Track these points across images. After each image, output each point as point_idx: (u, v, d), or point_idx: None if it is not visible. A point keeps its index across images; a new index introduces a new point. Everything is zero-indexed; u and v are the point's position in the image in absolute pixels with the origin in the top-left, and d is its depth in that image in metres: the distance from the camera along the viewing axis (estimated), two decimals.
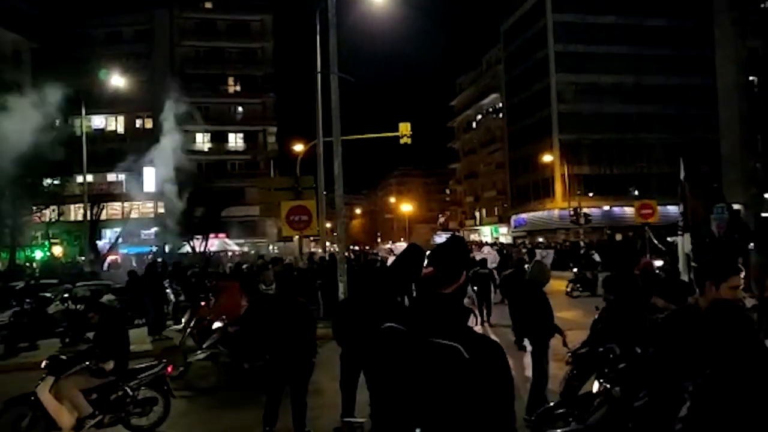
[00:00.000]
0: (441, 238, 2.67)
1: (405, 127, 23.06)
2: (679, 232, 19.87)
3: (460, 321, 2.19)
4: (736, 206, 42.46)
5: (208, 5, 57.59)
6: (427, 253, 2.57)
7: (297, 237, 16.27)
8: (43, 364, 6.54)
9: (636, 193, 52.46)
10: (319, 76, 18.28)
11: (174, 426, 7.20)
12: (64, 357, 6.70)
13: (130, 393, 6.71)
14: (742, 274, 3.44)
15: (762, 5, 58.80)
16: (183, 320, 13.25)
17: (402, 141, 23.07)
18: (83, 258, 33.83)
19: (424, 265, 2.33)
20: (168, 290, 15.56)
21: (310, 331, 6.47)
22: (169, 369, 7.13)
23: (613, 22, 55.17)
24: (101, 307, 7.03)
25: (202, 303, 12.30)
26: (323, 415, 7.08)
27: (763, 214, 49.75)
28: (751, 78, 57.91)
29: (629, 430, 4.52)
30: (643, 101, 54.93)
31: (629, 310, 5.85)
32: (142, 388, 6.85)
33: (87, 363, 6.53)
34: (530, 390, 6.90)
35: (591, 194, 52.38)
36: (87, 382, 6.48)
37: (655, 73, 55.05)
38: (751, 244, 22.39)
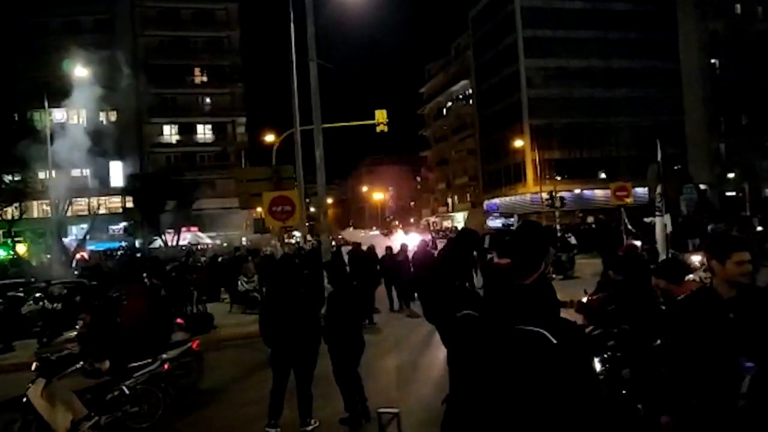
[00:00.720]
0: (495, 222, 2.55)
1: (381, 115, 22.81)
2: (657, 213, 20.10)
3: (543, 308, 2.11)
4: (702, 186, 43.49)
5: None
6: (485, 237, 2.47)
7: (278, 227, 15.95)
8: (34, 366, 6.21)
9: (603, 176, 53.38)
10: (294, 63, 17.91)
11: (173, 424, 6.96)
12: (54, 358, 6.38)
13: (127, 392, 6.44)
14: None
15: None
16: (77, 327, 12.02)
17: (378, 129, 22.83)
18: (48, 256, 32.84)
19: (495, 253, 2.22)
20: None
21: (313, 322, 6.32)
22: (166, 366, 6.88)
23: (580, 6, 55.64)
24: (93, 307, 6.71)
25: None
26: (327, 405, 6.93)
27: (728, 193, 51.14)
28: (713, 60, 59.20)
29: (638, 412, 4.47)
30: (611, 85, 55.66)
31: (640, 290, 5.78)
32: (139, 386, 6.58)
33: (81, 363, 6.23)
34: None
35: (560, 178, 52.98)
36: (81, 383, 6.19)
37: (623, 57, 55.80)
38: (711, 224, 22.83)
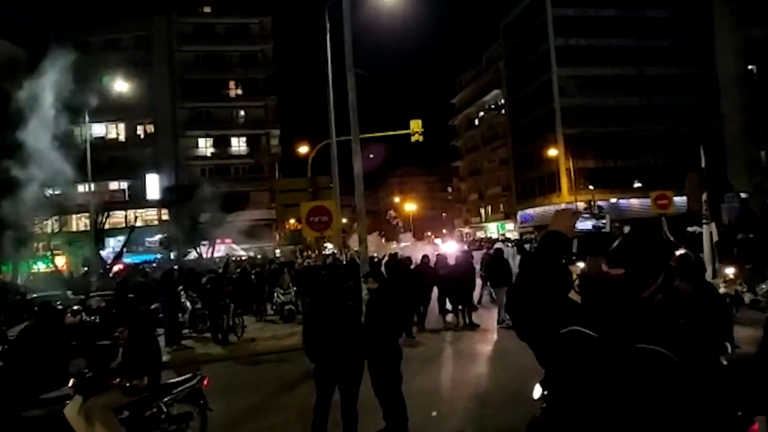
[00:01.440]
0: (585, 224, 2.28)
1: (416, 124, 22.64)
2: (704, 221, 19.24)
3: (661, 323, 1.87)
4: (742, 195, 42.15)
5: (207, 9, 57.12)
6: (573, 241, 2.22)
7: (314, 238, 15.85)
8: (71, 383, 6.09)
9: (638, 185, 52.29)
10: (329, 73, 17.89)
11: None
12: (91, 374, 6.25)
13: (165, 409, 6.29)
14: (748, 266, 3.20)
15: None
16: None
17: (414, 139, 22.66)
18: (87, 268, 33.39)
19: (607, 262, 1.96)
20: (183, 298, 15.13)
21: (360, 336, 6.09)
22: (206, 382, 6.71)
23: (613, 14, 54.86)
24: (131, 320, 6.59)
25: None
26: (371, 422, 6.65)
27: None
28: (750, 67, 57.65)
29: None
30: (645, 93, 54.63)
31: (711, 302, 5.39)
32: (178, 403, 6.43)
33: (119, 380, 6.10)
34: None
35: (594, 187, 52.03)
36: (119, 400, 6.04)
37: (657, 64, 54.79)
38: (741, 234, 21.92)
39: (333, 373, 6.01)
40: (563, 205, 53.57)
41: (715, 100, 56.79)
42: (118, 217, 48.52)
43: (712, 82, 56.82)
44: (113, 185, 52.45)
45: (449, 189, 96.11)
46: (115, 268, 33.87)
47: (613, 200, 53.11)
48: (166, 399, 6.32)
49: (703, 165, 17.59)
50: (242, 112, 56.93)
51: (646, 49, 54.90)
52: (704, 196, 18.33)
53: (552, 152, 53.05)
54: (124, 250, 40.40)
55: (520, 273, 2.18)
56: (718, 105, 56.80)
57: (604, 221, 2.29)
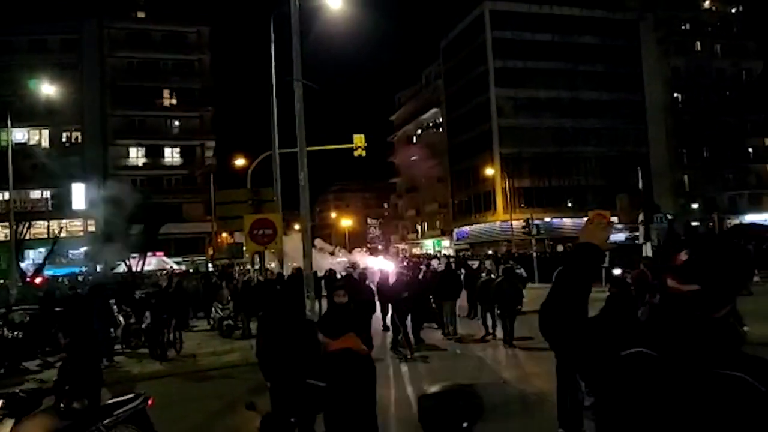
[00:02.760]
0: (618, 236, 2.09)
1: (359, 139, 22.55)
2: (638, 242, 19.95)
3: (736, 346, 1.67)
4: (668, 216, 44.29)
5: (141, 15, 55.31)
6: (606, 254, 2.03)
7: (253, 251, 15.36)
8: (0, 403, 5.49)
9: (570, 204, 54.08)
10: (274, 84, 17.54)
11: None
12: (24, 394, 5.67)
13: None
14: None
15: (682, 26, 62.35)
16: None
17: (356, 153, 22.53)
18: (3, 281, 31.36)
19: (677, 277, 1.74)
20: (116, 313, 14.28)
21: (318, 353, 5.76)
22: (150, 402, 6.21)
23: (549, 39, 56.80)
24: (73, 329, 6.03)
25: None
26: None
27: (694, 223, 52.26)
28: (675, 95, 61.08)
29: None
30: (578, 115, 56.68)
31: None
32: (119, 425, 5.90)
33: (54, 401, 5.54)
34: (561, 402, 6.58)
35: (528, 206, 53.33)
36: (54, 422, 5.48)
37: (591, 88, 57.03)
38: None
39: (292, 394, 5.67)
40: (498, 224, 54.64)
41: (643, 125, 59.70)
42: (39, 227, 45.96)
43: (641, 108, 59.75)
44: (35, 194, 49.76)
45: (385, 205, 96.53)
46: (37, 280, 31.99)
47: (548, 219, 54.56)
48: (106, 421, 5.77)
49: (640, 186, 18.27)
50: (176, 122, 55.17)
51: (580, 74, 57.12)
52: (640, 217, 19.01)
53: (489, 171, 54.11)
54: (46, 262, 38.26)
55: (554, 293, 1.96)
56: (645, 130, 59.70)
57: (637, 233, 2.12)
